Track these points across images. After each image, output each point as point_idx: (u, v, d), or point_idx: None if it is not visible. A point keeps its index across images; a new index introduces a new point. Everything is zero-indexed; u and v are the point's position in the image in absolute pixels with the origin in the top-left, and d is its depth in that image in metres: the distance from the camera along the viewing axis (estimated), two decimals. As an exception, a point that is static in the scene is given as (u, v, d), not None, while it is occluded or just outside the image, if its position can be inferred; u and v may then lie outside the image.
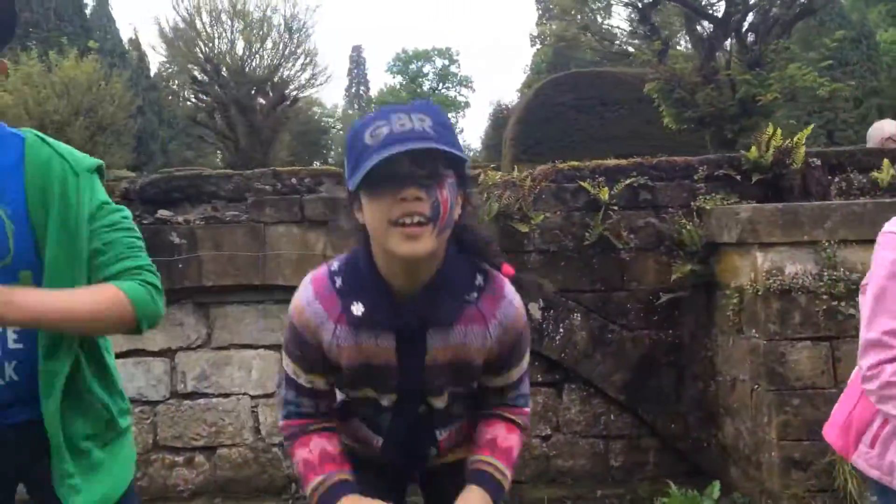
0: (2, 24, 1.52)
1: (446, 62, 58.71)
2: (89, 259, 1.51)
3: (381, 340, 1.36)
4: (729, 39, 9.40)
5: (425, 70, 61.96)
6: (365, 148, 1.22)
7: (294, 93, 15.68)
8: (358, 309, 1.35)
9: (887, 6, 22.76)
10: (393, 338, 1.37)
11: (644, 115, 19.23)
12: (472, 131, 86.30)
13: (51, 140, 1.56)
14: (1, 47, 1.58)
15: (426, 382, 1.42)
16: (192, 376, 4.23)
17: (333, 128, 46.75)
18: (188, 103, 17.19)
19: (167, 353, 4.24)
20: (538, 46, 58.50)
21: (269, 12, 15.40)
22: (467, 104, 63.40)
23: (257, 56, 15.38)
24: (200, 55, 14.91)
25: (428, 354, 1.38)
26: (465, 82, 61.13)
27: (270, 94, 14.97)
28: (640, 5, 10.08)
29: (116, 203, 4.26)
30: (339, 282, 1.39)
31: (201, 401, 4.23)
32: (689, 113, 9.53)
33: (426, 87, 59.40)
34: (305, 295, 1.40)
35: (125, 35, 45.58)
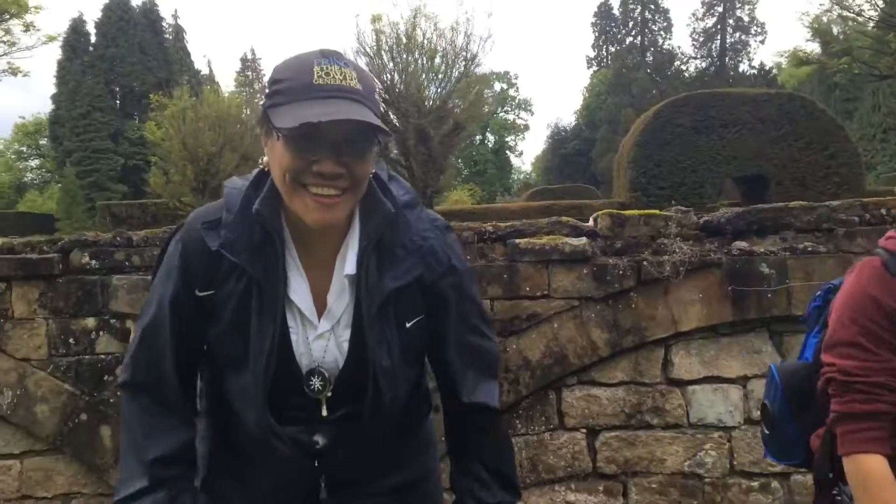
0: None
1: (504, 86, 59.28)
2: None
3: None
4: None
5: (485, 94, 62.29)
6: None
7: (464, 120, 16.02)
8: None
9: None
10: None
11: (767, 135, 19.28)
12: (529, 154, 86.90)
13: None
14: None
15: None
16: (770, 403, 4.33)
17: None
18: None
19: (741, 380, 4.36)
20: (595, 68, 58.99)
21: (443, 44, 15.81)
22: (527, 127, 63.57)
23: (431, 86, 15.74)
24: (381, 86, 15.29)
25: None
26: (524, 105, 61.83)
27: (440, 123, 15.26)
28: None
29: (695, 234, 4.33)
30: None
31: (777, 427, 4.33)
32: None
33: (485, 110, 59.99)
34: None
35: (199, 67, 46.95)
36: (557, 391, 4.42)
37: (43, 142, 47.32)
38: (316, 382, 1.39)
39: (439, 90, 15.82)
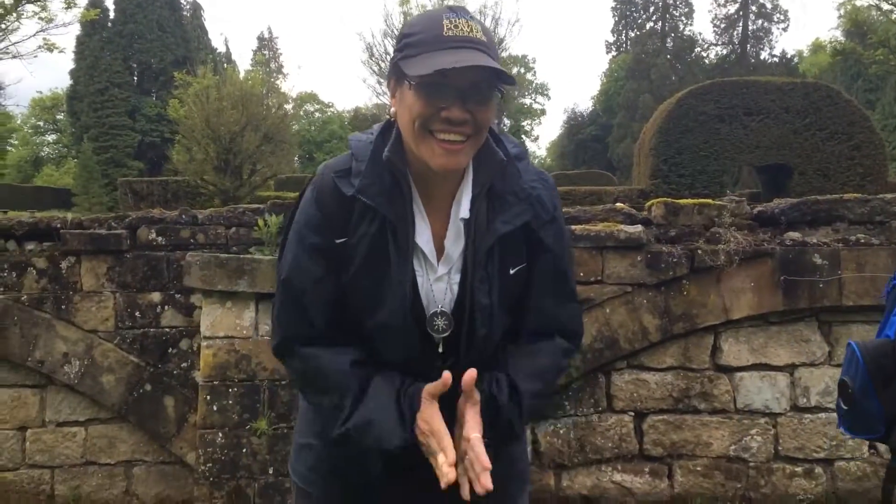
0: None
1: (522, 70, 58.87)
2: None
3: None
4: None
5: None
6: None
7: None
8: None
9: None
10: None
11: (791, 125, 19.09)
12: (545, 139, 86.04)
13: None
14: None
15: None
16: (816, 391, 4.43)
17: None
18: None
19: (789, 368, 4.45)
20: (614, 53, 58.57)
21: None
22: (543, 111, 63.24)
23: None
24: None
25: None
26: (541, 90, 61.56)
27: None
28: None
29: (749, 224, 4.36)
30: None
31: (822, 415, 4.42)
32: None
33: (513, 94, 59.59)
34: None
35: (216, 45, 46.86)
36: (607, 374, 4.52)
37: (60, 117, 47.52)
38: (440, 322, 1.45)
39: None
